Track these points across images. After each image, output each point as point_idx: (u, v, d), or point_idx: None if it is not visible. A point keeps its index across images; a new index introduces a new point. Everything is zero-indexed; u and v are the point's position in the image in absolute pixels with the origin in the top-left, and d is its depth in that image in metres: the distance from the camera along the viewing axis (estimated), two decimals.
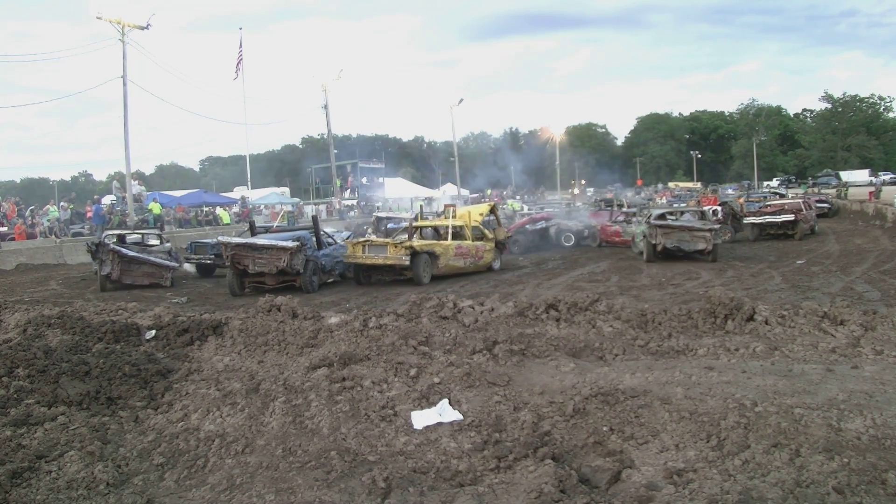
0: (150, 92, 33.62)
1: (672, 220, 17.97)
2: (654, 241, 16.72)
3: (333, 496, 3.74)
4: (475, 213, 17.98)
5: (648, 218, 17.72)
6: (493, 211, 19.00)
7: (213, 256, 18.20)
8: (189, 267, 19.44)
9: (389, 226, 22.41)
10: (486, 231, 17.15)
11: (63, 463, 4.28)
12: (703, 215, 19.09)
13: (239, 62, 44.44)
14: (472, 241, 16.33)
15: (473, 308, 7.89)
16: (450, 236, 15.89)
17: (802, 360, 5.78)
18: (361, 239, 16.44)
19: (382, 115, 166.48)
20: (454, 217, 16.61)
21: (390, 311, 8.03)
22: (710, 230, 16.42)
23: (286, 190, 55.51)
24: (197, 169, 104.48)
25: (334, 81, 42.75)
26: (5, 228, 26.93)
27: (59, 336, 7.40)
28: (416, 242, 15.17)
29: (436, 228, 17.30)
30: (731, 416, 4.23)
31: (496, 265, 17.06)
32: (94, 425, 4.98)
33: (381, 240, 16.29)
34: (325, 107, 42.69)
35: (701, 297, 8.48)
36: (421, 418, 4.75)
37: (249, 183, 53.89)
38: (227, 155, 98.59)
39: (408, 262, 14.35)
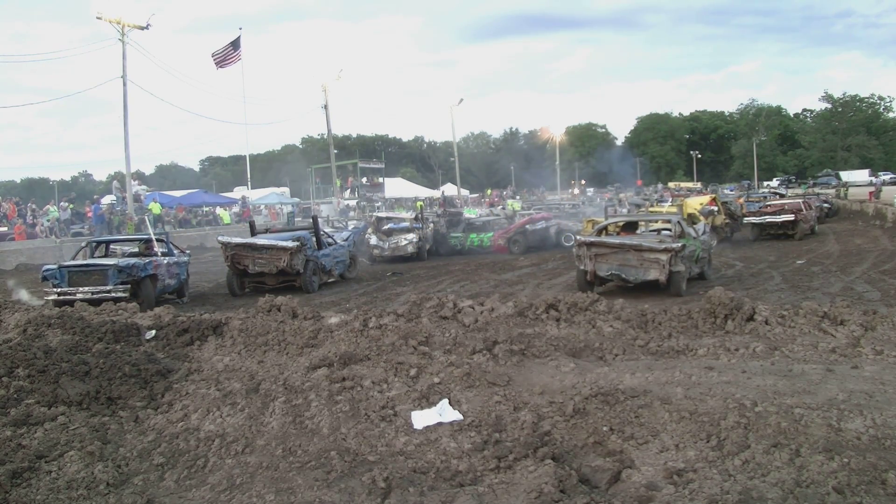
0: (150, 92, 33.59)
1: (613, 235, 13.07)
2: (582, 268, 11.90)
3: (333, 496, 3.74)
4: (695, 203, 21.87)
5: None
6: (714, 201, 23.22)
7: (116, 286, 11.68)
8: (28, 297, 12.39)
9: (390, 226, 22.40)
10: (701, 217, 19.83)
11: (63, 463, 4.29)
12: (675, 226, 12.60)
13: (225, 58, 43.52)
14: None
15: (473, 308, 7.89)
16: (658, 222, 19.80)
17: (802, 360, 5.78)
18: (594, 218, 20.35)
19: (382, 115, 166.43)
20: (678, 207, 20.28)
21: (390, 311, 8.02)
22: (665, 250, 11.08)
23: (286, 190, 55.49)
24: (197, 169, 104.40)
25: (334, 81, 42.82)
26: (5, 228, 26.89)
27: (59, 336, 7.39)
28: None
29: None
30: (731, 416, 4.23)
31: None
32: (94, 425, 4.99)
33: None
34: (325, 107, 42.69)
35: (701, 297, 8.48)
36: (421, 418, 4.75)
37: (249, 183, 53.90)
38: (227, 155, 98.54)
39: None
